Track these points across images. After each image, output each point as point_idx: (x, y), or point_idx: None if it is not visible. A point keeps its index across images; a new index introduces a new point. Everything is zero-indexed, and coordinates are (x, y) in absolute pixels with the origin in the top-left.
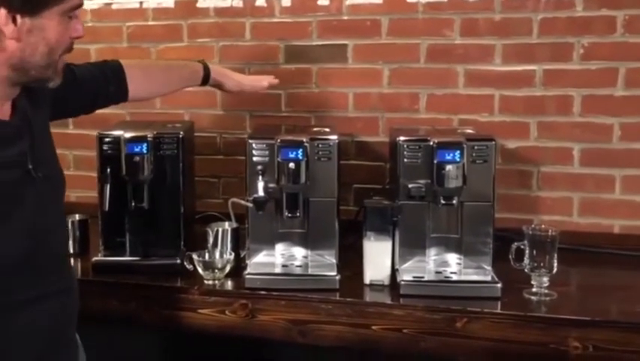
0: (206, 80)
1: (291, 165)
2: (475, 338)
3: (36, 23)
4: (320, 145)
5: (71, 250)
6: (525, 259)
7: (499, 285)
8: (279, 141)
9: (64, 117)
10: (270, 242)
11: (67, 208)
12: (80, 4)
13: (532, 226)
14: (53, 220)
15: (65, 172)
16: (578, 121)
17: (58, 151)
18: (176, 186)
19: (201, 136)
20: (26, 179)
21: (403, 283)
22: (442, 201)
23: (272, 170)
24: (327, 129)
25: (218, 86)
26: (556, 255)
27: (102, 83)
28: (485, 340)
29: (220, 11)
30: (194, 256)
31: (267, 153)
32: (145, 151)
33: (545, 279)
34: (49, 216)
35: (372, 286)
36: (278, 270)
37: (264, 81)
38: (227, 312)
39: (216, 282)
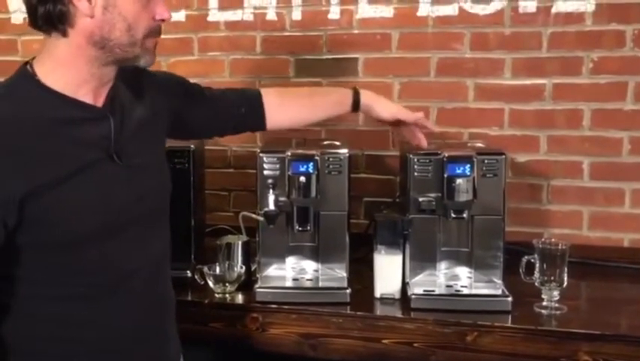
0: (356, 106)
1: (302, 178)
2: (485, 352)
3: (110, 0)
4: (330, 159)
5: None
6: (535, 272)
7: (509, 299)
8: (289, 154)
9: (189, 135)
10: (280, 255)
11: None
12: None
13: (543, 239)
14: (143, 219)
15: None
16: (588, 135)
17: None
18: (187, 199)
19: (212, 149)
20: (107, 162)
21: (413, 296)
22: (453, 215)
23: (282, 183)
24: (337, 143)
25: (368, 112)
26: (566, 268)
27: (234, 105)
28: (496, 354)
29: (231, 25)
30: (205, 270)
31: (277, 166)
32: None
33: (556, 293)
34: (134, 210)
35: (383, 299)
36: (288, 283)
37: (419, 114)
38: (237, 325)
39: (227, 295)
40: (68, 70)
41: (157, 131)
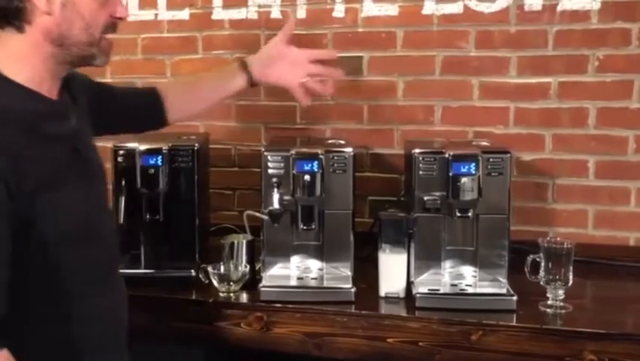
0: (250, 75)
1: (307, 177)
2: (490, 351)
3: None
4: (335, 157)
5: None
6: (540, 271)
7: (514, 298)
8: (294, 153)
9: (103, 131)
10: (285, 254)
11: None
12: None
13: (548, 238)
14: (102, 212)
15: None
16: (593, 133)
17: None
18: (191, 198)
19: (216, 148)
20: (75, 157)
21: (418, 295)
22: (458, 214)
23: (287, 182)
24: (342, 141)
25: (267, 74)
26: (571, 267)
27: (136, 103)
28: (501, 353)
29: (235, 23)
30: (209, 269)
31: (282, 165)
32: (160, 163)
33: (561, 292)
34: (98, 204)
35: (388, 298)
36: (293, 282)
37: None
38: (242, 325)
39: (231, 294)
40: (24, 66)
41: (90, 126)
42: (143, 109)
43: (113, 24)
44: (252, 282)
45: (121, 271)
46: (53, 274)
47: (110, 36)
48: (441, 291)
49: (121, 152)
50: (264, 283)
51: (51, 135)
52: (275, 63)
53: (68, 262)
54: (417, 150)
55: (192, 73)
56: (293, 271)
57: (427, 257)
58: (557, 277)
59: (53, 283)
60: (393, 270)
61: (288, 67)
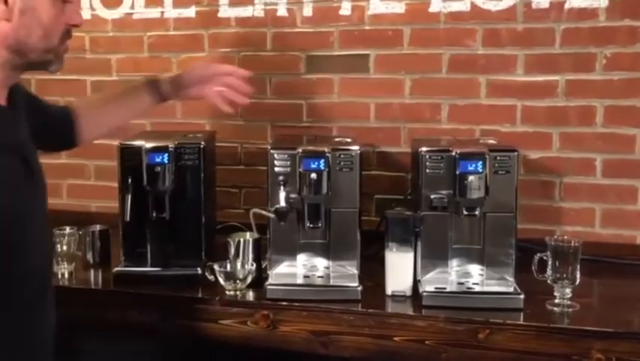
0: (161, 95)
1: (313, 175)
2: (497, 350)
3: (28, 4)
4: (342, 155)
5: (91, 261)
6: (548, 270)
7: (521, 296)
8: (300, 151)
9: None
10: (291, 253)
11: (87, 218)
12: None
13: (555, 236)
14: (42, 226)
15: (86, 182)
16: (601, 132)
17: (80, 161)
18: (197, 196)
19: (222, 146)
20: (23, 168)
21: (425, 294)
22: (465, 212)
23: (293, 180)
24: (348, 140)
25: (177, 92)
26: (578, 266)
27: (55, 119)
28: (507, 351)
29: (241, 21)
30: (216, 267)
31: (288, 163)
32: (166, 161)
33: (568, 290)
34: (41, 216)
35: (394, 297)
36: (299, 281)
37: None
38: (248, 323)
39: (238, 293)
40: None
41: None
42: (59, 128)
43: (68, 31)
44: (258, 280)
45: (127, 269)
46: None
47: (112, 34)
48: (447, 289)
49: (127, 150)
50: (270, 281)
51: (2, 145)
52: (194, 84)
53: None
54: (424, 148)
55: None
56: (299, 269)
57: (434, 255)
58: (564, 275)
59: None
60: (399, 268)
61: (205, 82)
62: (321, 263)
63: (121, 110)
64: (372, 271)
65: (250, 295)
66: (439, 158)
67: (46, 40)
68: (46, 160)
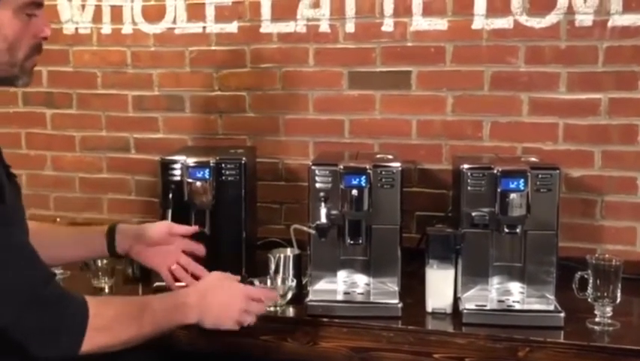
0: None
1: (354, 191)
2: None
3: None
4: (383, 172)
5: (132, 275)
6: (588, 288)
7: (562, 314)
8: (342, 167)
9: None
10: (332, 269)
11: None
12: (38, 3)
13: (596, 255)
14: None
15: (127, 197)
16: None
17: (121, 176)
18: (238, 211)
19: (264, 162)
20: (7, 179)
21: (465, 311)
22: (506, 230)
23: (334, 196)
24: (390, 156)
25: (136, 243)
26: (619, 285)
27: None
28: None
29: (283, 37)
30: (256, 283)
31: (329, 179)
32: (207, 177)
33: (609, 309)
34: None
35: (435, 314)
36: (340, 297)
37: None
38: (288, 339)
39: (278, 308)
40: None
41: None
42: None
43: (38, 45)
44: (298, 296)
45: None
46: None
47: (154, 49)
48: (488, 307)
49: (169, 165)
50: (310, 297)
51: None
52: (152, 247)
53: None
54: (465, 166)
55: (244, 87)
56: (340, 285)
57: (475, 273)
58: (605, 294)
59: None
60: (440, 285)
61: (161, 252)
62: (361, 280)
63: (69, 251)
64: (413, 288)
65: (290, 312)
66: (481, 175)
67: (10, 54)
68: (86, 175)
